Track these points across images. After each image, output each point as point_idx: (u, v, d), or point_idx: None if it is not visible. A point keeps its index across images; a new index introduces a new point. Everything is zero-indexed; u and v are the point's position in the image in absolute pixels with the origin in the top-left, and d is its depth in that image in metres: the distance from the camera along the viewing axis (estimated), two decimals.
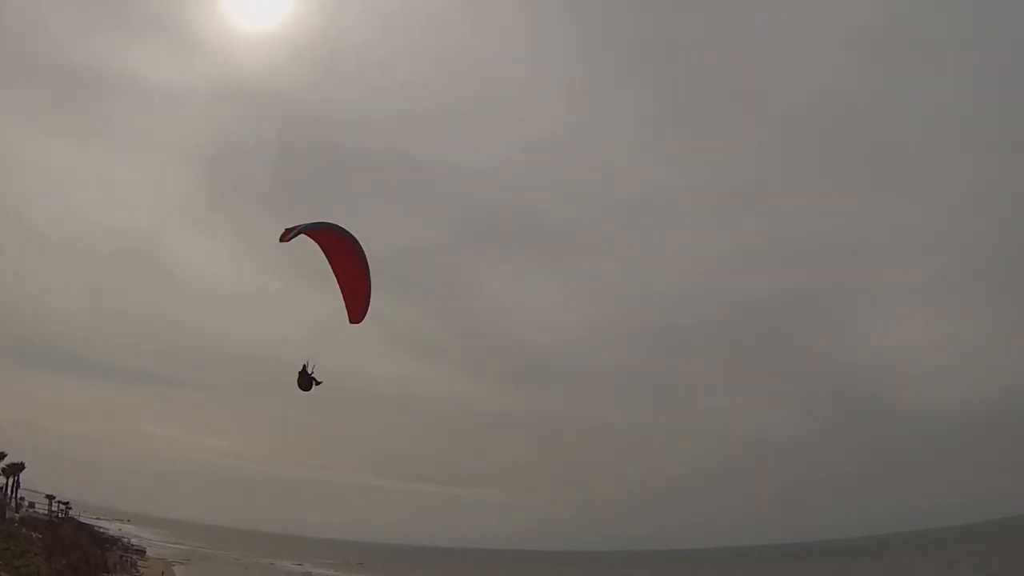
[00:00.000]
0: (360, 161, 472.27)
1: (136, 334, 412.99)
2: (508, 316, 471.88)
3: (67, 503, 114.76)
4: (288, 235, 16.33)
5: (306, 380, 18.30)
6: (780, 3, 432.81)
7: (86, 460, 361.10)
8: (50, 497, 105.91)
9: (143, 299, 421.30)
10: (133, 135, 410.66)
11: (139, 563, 74.98)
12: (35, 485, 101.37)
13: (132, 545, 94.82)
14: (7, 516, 70.03)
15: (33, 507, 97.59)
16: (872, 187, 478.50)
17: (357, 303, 18.24)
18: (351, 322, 18.31)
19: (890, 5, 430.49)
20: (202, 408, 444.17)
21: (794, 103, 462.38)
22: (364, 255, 17.92)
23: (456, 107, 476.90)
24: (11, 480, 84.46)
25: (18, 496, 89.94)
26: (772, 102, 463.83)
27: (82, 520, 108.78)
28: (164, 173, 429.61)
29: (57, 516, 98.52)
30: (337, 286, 18.30)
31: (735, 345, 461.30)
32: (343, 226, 17.73)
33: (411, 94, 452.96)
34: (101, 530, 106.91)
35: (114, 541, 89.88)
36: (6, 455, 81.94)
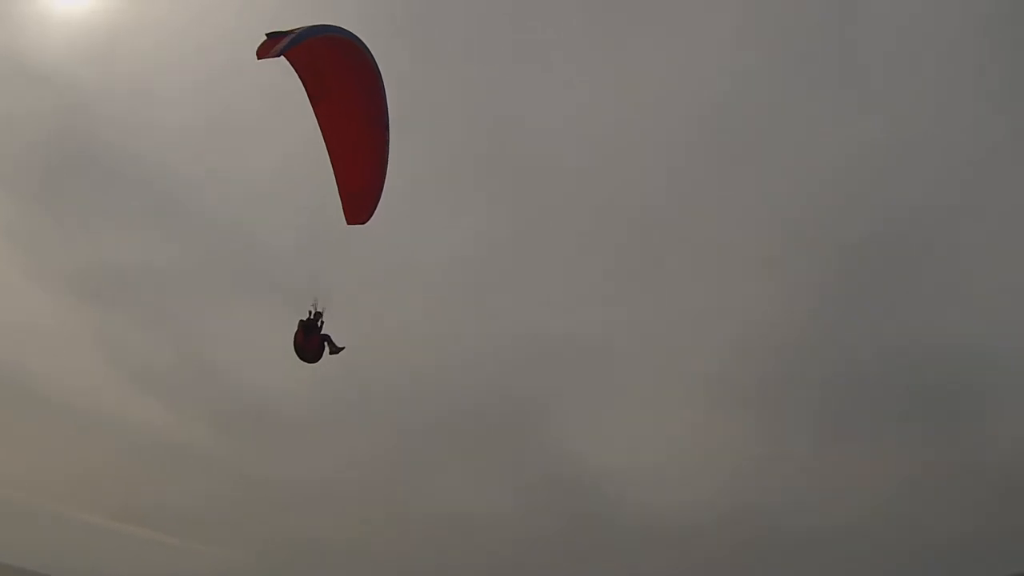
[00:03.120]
0: (124, 165, 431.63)
1: None
2: (234, 356, 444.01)
3: None
4: (267, 51, 9.17)
5: (314, 345, 10.31)
6: (570, 73, 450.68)
7: None
8: None
9: None
10: None
11: None
12: None
13: None
14: None
15: None
16: (620, 285, 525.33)
17: (364, 191, 10.46)
18: (351, 222, 11.14)
19: (693, 89, 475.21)
20: None
21: (565, 185, 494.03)
22: (385, 109, 10.47)
23: (223, 127, 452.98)
24: None
25: None
26: (543, 178, 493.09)
27: None
28: None
29: None
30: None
31: (456, 424, 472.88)
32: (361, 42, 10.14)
33: (184, 107, 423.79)
34: None
35: None
36: None
